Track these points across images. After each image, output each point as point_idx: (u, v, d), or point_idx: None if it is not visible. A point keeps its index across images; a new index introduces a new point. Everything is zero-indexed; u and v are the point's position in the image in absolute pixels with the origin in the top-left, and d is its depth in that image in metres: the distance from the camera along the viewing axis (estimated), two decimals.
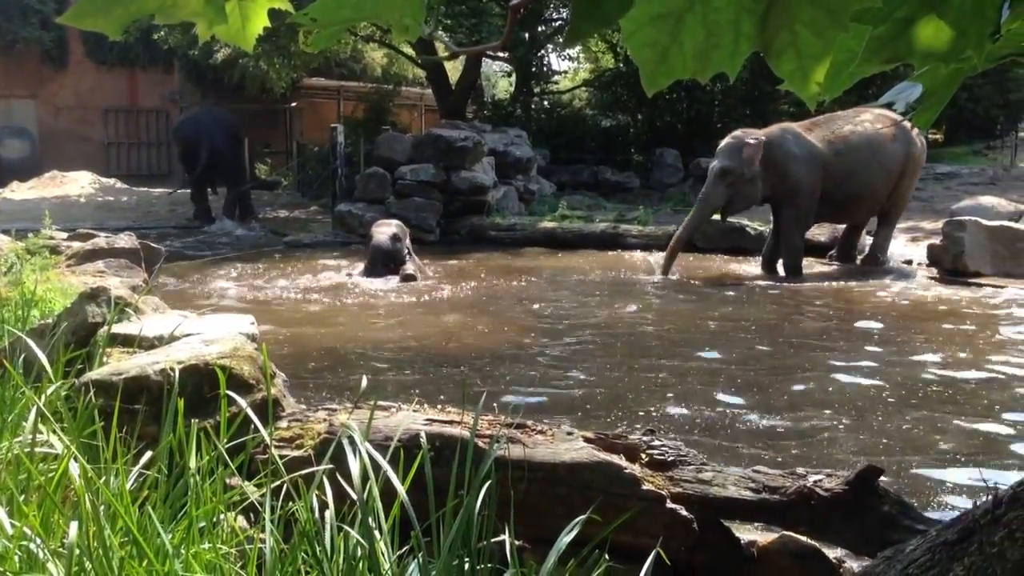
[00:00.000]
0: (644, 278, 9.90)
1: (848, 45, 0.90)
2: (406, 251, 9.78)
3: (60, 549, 1.73)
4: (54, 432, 2.11)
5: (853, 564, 2.44)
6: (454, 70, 20.28)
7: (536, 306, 8.10)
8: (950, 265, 9.40)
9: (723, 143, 10.00)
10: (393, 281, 9.23)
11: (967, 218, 9.66)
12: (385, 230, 9.76)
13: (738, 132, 10.12)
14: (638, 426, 3.05)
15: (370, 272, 9.56)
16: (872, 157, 9.93)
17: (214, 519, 1.94)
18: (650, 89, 0.78)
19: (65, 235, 7.86)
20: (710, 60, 0.76)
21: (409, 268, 9.61)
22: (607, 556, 2.10)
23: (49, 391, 2.41)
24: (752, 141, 9.61)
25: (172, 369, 2.49)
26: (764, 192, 9.86)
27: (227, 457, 2.09)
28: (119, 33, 1.05)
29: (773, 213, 10.27)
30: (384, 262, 9.53)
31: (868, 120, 10.05)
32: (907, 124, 9.62)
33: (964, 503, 3.37)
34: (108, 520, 1.80)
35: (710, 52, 0.76)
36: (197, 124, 15.28)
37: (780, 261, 10.14)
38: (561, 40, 20.15)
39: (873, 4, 0.76)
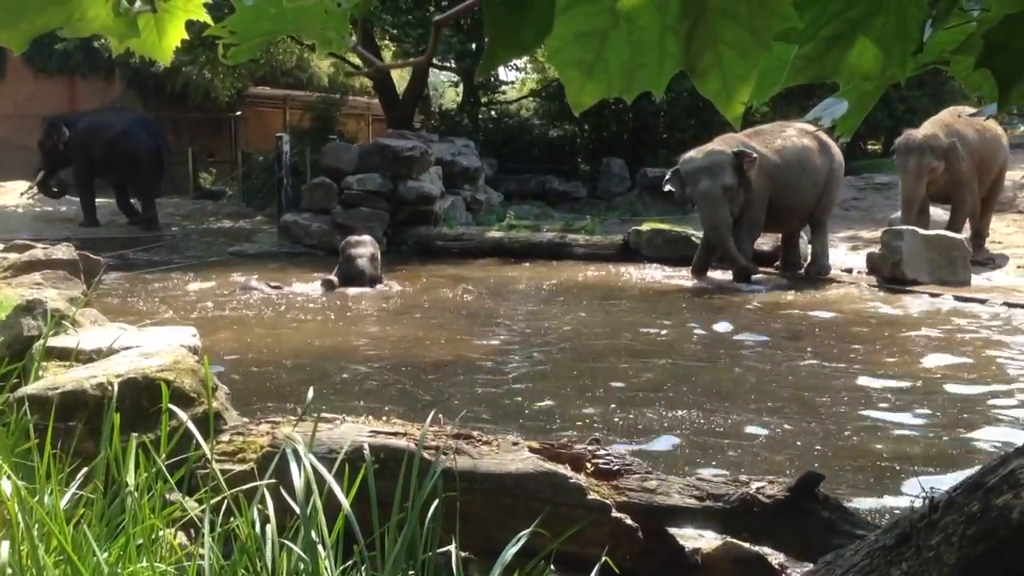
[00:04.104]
0: (589, 288, 9.95)
1: (777, 53, 0.92)
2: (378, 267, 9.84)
3: None
4: None
5: (795, 569, 2.47)
6: (401, 80, 20.19)
7: (483, 316, 8.10)
8: (888, 273, 9.59)
9: (704, 162, 9.87)
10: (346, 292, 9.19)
11: (904, 227, 9.87)
12: (363, 251, 9.66)
13: (712, 147, 10.10)
14: (591, 434, 3.06)
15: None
16: (802, 171, 10.28)
17: (152, 536, 1.91)
18: (576, 108, 0.79)
19: (1, 246, 7.68)
20: (635, 79, 0.77)
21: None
22: (553, 567, 2.10)
23: None
24: (751, 160, 9.77)
25: (110, 383, 2.44)
26: None
27: (167, 472, 2.05)
28: (24, 47, 1.03)
29: None
30: (365, 284, 9.47)
31: (794, 135, 10.36)
32: (826, 139, 10.12)
33: (902, 508, 3.43)
34: (42, 539, 1.76)
35: (635, 71, 0.76)
36: (149, 129, 15.11)
37: (711, 267, 10.40)
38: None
39: (796, 25, 0.77)
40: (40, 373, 2.85)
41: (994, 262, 10.84)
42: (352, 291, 9.21)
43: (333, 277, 9.51)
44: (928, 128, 10.86)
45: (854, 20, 0.89)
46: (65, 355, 3.02)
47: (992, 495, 1.74)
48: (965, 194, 10.88)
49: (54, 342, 3.13)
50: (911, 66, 0.96)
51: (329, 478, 1.98)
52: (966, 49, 1.02)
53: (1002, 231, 12.32)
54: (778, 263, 11.09)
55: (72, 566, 1.69)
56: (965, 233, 10.79)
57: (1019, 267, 10.61)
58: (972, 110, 10.50)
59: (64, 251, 7.05)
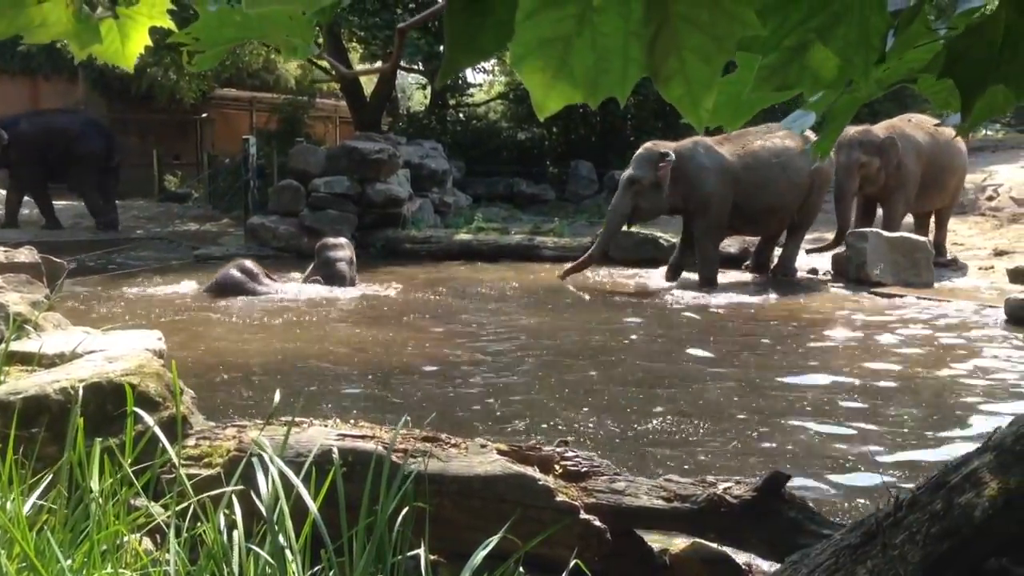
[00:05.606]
0: (558, 290, 9.97)
1: (745, 79, 0.93)
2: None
3: None
4: None
5: (762, 567, 2.49)
6: (368, 82, 20.11)
7: (451, 319, 8.09)
8: (853, 275, 9.71)
9: (636, 153, 10.13)
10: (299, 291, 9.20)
11: (869, 229, 9.99)
12: (341, 254, 9.74)
13: (650, 144, 10.20)
14: (559, 437, 3.07)
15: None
16: (781, 171, 10.14)
17: (117, 542, 1.88)
18: (541, 113, 0.79)
19: None
20: (599, 85, 0.77)
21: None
22: (522, 569, 2.10)
23: None
24: (665, 162, 9.68)
25: (74, 388, 2.41)
26: (674, 203, 9.97)
27: (132, 477, 2.03)
28: None
29: (685, 225, 10.40)
30: (346, 286, 9.56)
31: (779, 136, 10.28)
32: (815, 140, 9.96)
33: (867, 507, 3.47)
34: (4, 546, 1.74)
35: (600, 77, 0.77)
36: (101, 129, 15.18)
37: (685, 269, 10.33)
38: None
39: (759, 32, 0.78)
40: (2, 378, 2.81)
41: (956, 264, 11.00)
42: (318, 294, 9.17)
43: (318, 278, 9.62)
44: (871, 127, 10.89)
45: (815, 30, 0.90)
46: (28, 359, 2.99)
47: (955, 494, 1.77)
48: (898, 198, 10.75)
49: (16, 346, 3.09)
50: (876, 78, 0.97)
51: (297, 482, 1.97)
52: (933, 67, 1.04)
53: (964, 233, 12.50)
54: (747, 263, 11.14)
55: (35, 573, 1.67)
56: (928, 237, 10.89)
57: (980, 269, 10.77)
58: (932, 118, 10.56)
59: (26, 254, 6.94)
